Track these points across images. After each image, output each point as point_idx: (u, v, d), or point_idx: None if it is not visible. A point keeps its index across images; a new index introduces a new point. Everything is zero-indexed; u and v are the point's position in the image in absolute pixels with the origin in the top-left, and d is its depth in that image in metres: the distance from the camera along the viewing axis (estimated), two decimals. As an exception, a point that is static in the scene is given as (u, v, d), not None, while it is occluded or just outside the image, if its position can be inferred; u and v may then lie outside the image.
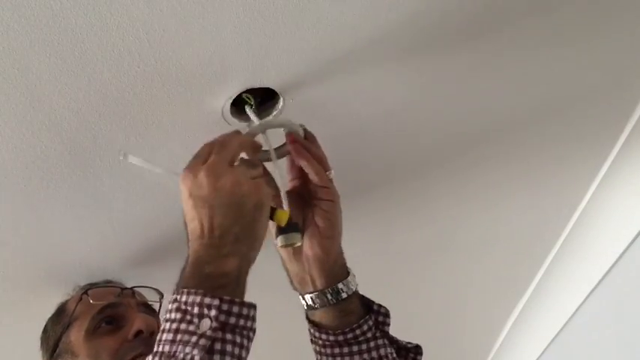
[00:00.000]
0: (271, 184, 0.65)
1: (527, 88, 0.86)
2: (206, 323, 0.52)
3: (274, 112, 0.77)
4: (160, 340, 0.53)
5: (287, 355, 1.56)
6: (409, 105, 0.84)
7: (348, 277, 0.69)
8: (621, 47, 0.82)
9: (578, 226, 1.27)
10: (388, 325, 0.72)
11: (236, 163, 0.61)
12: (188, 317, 0.53)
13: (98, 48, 0.62)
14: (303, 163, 0.68)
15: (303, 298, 0.70)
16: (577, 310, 1.39)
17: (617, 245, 1.16)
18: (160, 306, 0.90)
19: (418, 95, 0.83)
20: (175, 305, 0.54)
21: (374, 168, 0.97)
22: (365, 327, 0.68)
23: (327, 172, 0.69)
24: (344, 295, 0.67)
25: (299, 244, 0.66)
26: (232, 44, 0.65)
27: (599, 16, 0.75)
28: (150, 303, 0.90)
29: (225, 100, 0.73)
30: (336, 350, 0.68)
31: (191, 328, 0.52)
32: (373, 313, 0.70)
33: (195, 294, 0.53)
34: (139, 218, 0.92)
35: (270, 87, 0.73)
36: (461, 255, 1.33)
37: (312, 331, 0.70)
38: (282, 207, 0.66)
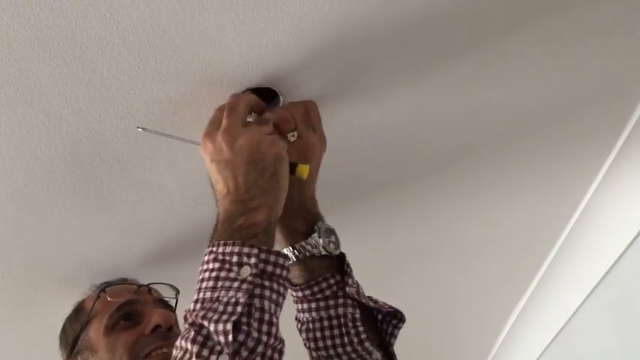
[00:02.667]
0: (283, 138, 0.67)
1: (528, 90, 0.86)
2: (246, 270, 0.56)
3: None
4: (200, 289, 0.56)
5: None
6: (409, 106, 0.84)
7: (309, 239, 0.69)
8: (621, 49, 0.82)
9: (578, 226, 1.27)
10: (350, 286, 0.70)
11: (249, 119, 0.66)
12: (227, 266, 0.56)
13: (98, 48, 0.62)
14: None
15: (294, 252, 0.71)
16: (577, 310, 1.39)
17: (617, 245, 1.16)
18: (177, 302, 0.92)
19: (418, 97, 0.83)
20: (212, 256, 0.58)
21: (374, 168, 0.97)
22: (324, 284, 0.69)
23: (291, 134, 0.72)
24: (301, 256, 0.69)
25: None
26: (232, 44, 0.65)
27: (599, 18, 0.75)
28: (166, 299, 0.92)
29: (225, 100, 0.73)
30: (304, 306, 0.70)
31: (232, 275, 0.56)
32: (341, 273, 0.71)
33: (233, 245, 0.57)
34: (139, 218, 0.92)
35: (271, 87, 0.73)
36: (461, 255, 1.33)
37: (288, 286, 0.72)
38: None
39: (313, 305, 0.69)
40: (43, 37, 0.59)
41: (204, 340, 0.53)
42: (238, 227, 0.59)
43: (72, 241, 0.93)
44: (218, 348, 0.52)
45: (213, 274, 0.57)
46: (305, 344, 0.71)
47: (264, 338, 0.53)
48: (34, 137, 0.72)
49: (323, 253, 0.69)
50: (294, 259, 0.69)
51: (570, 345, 1.48)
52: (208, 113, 0.75)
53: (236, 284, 0.55)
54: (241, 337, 0.52)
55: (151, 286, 0.91)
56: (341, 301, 0.69)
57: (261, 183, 0.61)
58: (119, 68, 0.65)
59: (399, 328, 0.72)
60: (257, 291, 0.55)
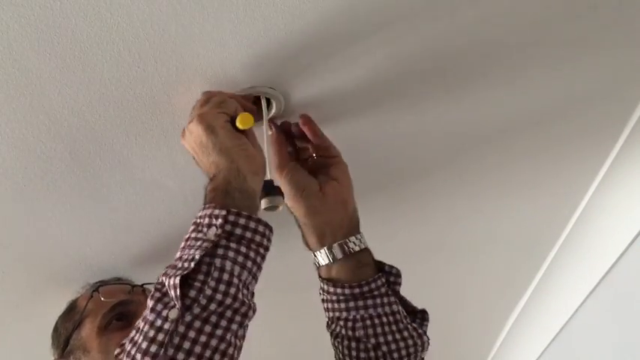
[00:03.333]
0: (219, 104, 0.66)
1: (528, 90, 0.86)
2: (212, 230, 0.57)
3: (272, 113, 0.77)
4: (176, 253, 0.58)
5: (287, 354, 1.56)
6: (409, 106, 0.84)
7: (360, 234, 0.74)
8: (621, 49, 0.82)
9: (578, 226, 1.27)
10: (399, 284, 0.75)
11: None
12: (199, 228, 0.59)
13: (98, 48, 0.62)
14: (310, 133, 0.74)
15: (321, 254, 0.73)
16: (577, 310, 1.39)
17: (617, 245, 1.16)
18: None
19: (418, 96, 0.83)
20: (192, 221, 0.60)
21: (373, 168, 0.97)
22: (379, 282, 0.72)
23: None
24: (362, 246, 0.72)
25: (282, 206, 0.69)
26: (232, 44, 0.65)
27: (599, 17, 0.75)
28: None
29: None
30: (351, 304, 0.71)
31: (199, 235, 0.58)
32: (385, 273, 0.74)
33: (207, 208, 0.59)
34: (139, 217, 0.92)
35: (271, 86, 0.73)
36: (461, 255, 1.33)
37: (325, 287, 0.73)
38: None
39: (370, 302, 0.71)
40: (43, 37, 0.59)
41: (161, 295, 0.54)
42: (207, 193, 0.62)
43: (72, 241, 0.93)
44: (171, 303, 0.53)
45: (186, 236, 0.59)
46: (343, 343, 0.71)
47: (219, 297, 0.53)
48: (34, 137, 0.72)
49: (364, 246, 0.73)
50: (342, 255, 0.71)
51: (570, 345, 1.48)
52: (208, 113, 0.75)
53: (199, 243, 0.57)
54: (192, 293, 0.53)
55: (145, 286, 0.91)
56: (392, 299, 0.72)
57: (211, 158, 0.63)
58: (119, 68, 0.65)
59: (427, 326, 0.77)
60: (219, 251, 0.56)
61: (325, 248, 0.72)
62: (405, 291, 0.77)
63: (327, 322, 0.74)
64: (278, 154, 0.75)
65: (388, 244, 1.24)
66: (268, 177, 0.70)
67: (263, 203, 0.68)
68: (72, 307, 0.89)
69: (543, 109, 0.92)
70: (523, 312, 1.64)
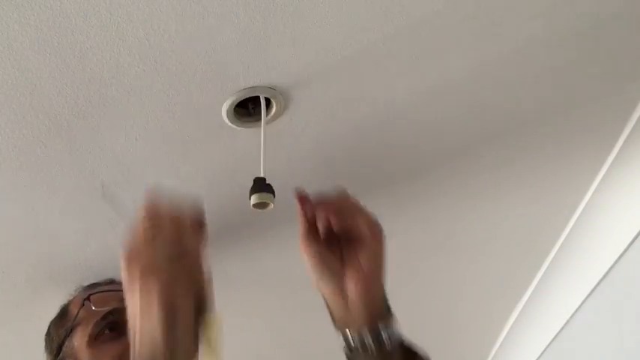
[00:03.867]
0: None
1: (528, 89, 0.86)
2: None
3: (272, 113, 0.77)
4: None
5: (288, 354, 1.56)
6: (409, 106, 0.84)
7: (391, 319, 0.63)
8: (622, 48, 0.82)
9: (578, 226, 1.27)
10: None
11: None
12: None
13: (98, 48, 0.62)
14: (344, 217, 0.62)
15: (345, 339, 0.63)
16: (577, 310, 1.39)
17: (617, 245, 1.16)
18: None
19: (418, 96, 0.82)
20: None
21: (373, 168, 0.97)
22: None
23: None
24: (384, 338, 0.61)
25: (272, 206, 0.67)
26: (232, 44, 0.65)
27: (599, 17, 0.75)
28: None
29: (225, 101, 0.73)
30: None
31: None
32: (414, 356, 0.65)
33: None
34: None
35: (271, 87, 0.73)
36: (461, 254, 1.33)
37: None
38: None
39: None
40: (43, 37, 0.59)
41: None
42: None
43: (71, 241, 0.93)
44: None
45: None
46: None
47: None
48: (34, 137, 0.72)
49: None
50: (370, 349, 0.61)
51: (570, 345, 1.48)
52: (209, 113, 0.75)
53: None
54: None
55: None
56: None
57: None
58: (119, 68, 0.65)
59: None
60: None
61: (349, 335, 0.62)
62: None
63: None
64: (300, 225, 0.64)
65: (388, 243, 1.24)
66: (262, 174, 0.70)
67: (253, 199, 0.68)
68: (64, 313, 0.87)
69: (544, 109, 0.92)
70: (523, 312, 1.64)
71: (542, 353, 1.64)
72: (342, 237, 0.63)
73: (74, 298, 0.90)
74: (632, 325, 1.16)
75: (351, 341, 0.62)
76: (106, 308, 0.83)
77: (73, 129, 0.72)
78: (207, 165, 0.85)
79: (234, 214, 0.94)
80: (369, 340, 0.61)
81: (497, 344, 1.85)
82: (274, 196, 0.70)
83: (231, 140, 0.81)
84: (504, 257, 1.37)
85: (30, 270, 0.95)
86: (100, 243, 0.94)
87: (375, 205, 0.94)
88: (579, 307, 1.38)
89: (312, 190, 0.63)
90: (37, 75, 0.63)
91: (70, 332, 0.82)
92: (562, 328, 1.50)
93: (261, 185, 0.70)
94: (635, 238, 1.10)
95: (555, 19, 0.73)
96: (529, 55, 0.79)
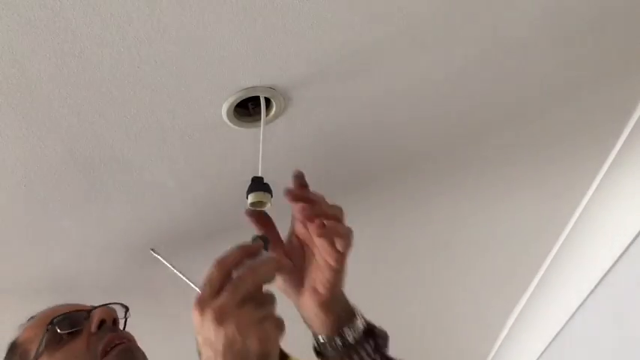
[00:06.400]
0: (281, 325, 0.58)
1: (528, 88, 0.86)
2: None
3: (272, 113, 0.77)
4: None
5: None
6: (408, 105, 0.84)
7: (356, 321, 0.66)
8: (622, 47, 0.82)
9: (578, 226, 1.27)
10: (387, 347, 0.71)
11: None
12: None
13: (98, 48, 0.62)
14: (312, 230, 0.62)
15: (315, 339, 0.67)
16: (577, 310, 1.39)
17: (617, 245, 1.16)
18: (126, 321, 0.80)
19: (417, 96, 0.83)
20: None
21: (373, 168, 0.97)
22: (363, 354, 0.67)
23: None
24: (351, 340, 0.65)
25: (269, 205, 0.67)
26: (232, 44, 0.65)
27: (599, 16, 0.75)
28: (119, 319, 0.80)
29: (225, 101, 0.73)
30: None
31: None
32: (373, 337, 0.68)
33: None
34: (139, 218, 0.92)
35: (271, 87, 0.73)
36: (461, 255, 1.33)
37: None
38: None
39: None
40: (43, 37, 0.59)
41: None
42: None
43: (71, 242, 0.93)
44: None
45: None
46: None
47: None
48: (34, 137, 0.72)
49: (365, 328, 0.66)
50: (345, 343, 0.65)
51: (570, 345, 1.48)
52: (209, 113, 0.75)
53: None
54: None
55: (102, 307, 0.77)
56: None
57: None
58: (119, 68, 0.65)
59: None
60: None
61: (318, 337, 0.66)
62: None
63: None
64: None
65: (388, 244, 1.24)
66: (259, 174, 0.70)
67: (250, 198, 0.69)
68: (13, 347, 0.78)
69: (544, 109, 0.92)
70: (523, 312, 1.64)
71: (543, 353, 1.64)
72: (305, 247, 0.64)
73: (25, 328, 0.79)
74: (632, 325, 1.16)
75: (320, 340, 0.66)
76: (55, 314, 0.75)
77: (72, 129, 0.72)
78: (207, 164, 0.85)
79: (232, 213, 0.94)
80: (336, 342, 0.65)
81: (497, 344, 1.85)
82: (272, 196, 0.70)
83: (230, 140, 0.81)
84: (505, 257, 1.37)
85: (29, 270, 0.95)
86: (100, 243, 0.94)
87: (375, 205, 0.94)
88: (579, 307, 1.38)
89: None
90: (37, 75, 0.63)
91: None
92: (562, 328, 1.50)
93: (258, 184, 0.70)
94: (635, 238, 1.10)
95: (554, 19, 0.73)
96: (530, 55, 0.79)
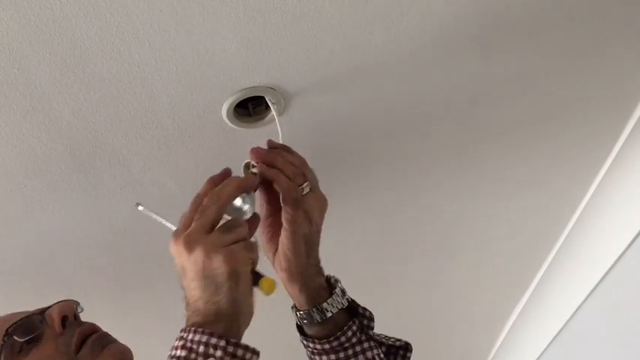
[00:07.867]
0: (251, 247, 0.62)
1: (528, 88, 0.86)
2: None
3: (271, 113, 0.77)
4: None
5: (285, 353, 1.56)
6: (408, 105, 0.84)
7: (333, 295, 0.69)
8: (622, 47, 0.82)
9: (578, 226, 1.27)
10: (372, 328, 0.73)
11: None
12: (193, 355, 0.54)
13: (98, 48, 0.62)
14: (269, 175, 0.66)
15: (295, 314, 0.71)
16: (577, 310, 1.39)
17: (617, 245, 1.16)
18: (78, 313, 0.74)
19: (417, 95, 0.83)
20: (181, 343, 0.56)
21: (373, 167, 0.97)
22: (349, 333, 0.70)
23: (301, 186, 0.66)
24: (329, 314, 0.69)
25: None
26: (232, 44, 0.65)
27: (600, 16, 0.75)
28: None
29: (225, 101, 0.73)
30: (324, 357, 0.70)
31: None
32: (358, 317, 0.71)
33: (203, 333, 0.55)
34: (139, 218, 0.92)
35: (271, 87, 0.73)
36: (460, 255, 1.33)
37: (301, 339, 0.72)
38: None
39: (342, 355, 0.70)
40: (43, 37, 0.59)
41: None
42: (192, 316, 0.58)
43: (71, 242, 0.93)
44: None
45: (173, 352, 0.55)
46: None
47: None
48: (34, 137, 0.72)
49: (346, 305, 0.70)
50: (324, 318, 0.68)
51: (570, 345, 1.48)
52: (209, 113, 0.75)
53: None
54: None
55: (58, 304, 0.72)
56: (366, 345, 0.71)
57: (217, 299, 0.57)
58: (119, 68, 0.65)
59: (409, 358, 0.74)
60: None
61: (297, 312, 0.70)
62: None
63: None
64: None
65: (388, 243, 1.24)
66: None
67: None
68: None
69: (544, 109, 0.92)
70: (523, 312, 1.64)
71: (543, 353, 1.64)
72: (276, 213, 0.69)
73: None
74: (632, 325, 1.16)
75: (300, 315, 0.70)
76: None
77: (72, 129, 0.72)
78: (207, 165, 0.85)
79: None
80: (315, 316, 0.69)
81: (498, 344, 1.85)
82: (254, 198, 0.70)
83: (230, 140, 0.81)
84: (504, 257, 1.37)
85: (29, 270, 0.95)
86: (100, 243, 0.94)
87: (375, 205, 0.94)
88: (579, 307, 1.38)
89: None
90: (37, 75, 0.63)
91: None
92: (562, 328, 1.50)
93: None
94: (635, 238, 1.10)
95: (558, 21, 0.73)
96: (529, 54, 0.79)
